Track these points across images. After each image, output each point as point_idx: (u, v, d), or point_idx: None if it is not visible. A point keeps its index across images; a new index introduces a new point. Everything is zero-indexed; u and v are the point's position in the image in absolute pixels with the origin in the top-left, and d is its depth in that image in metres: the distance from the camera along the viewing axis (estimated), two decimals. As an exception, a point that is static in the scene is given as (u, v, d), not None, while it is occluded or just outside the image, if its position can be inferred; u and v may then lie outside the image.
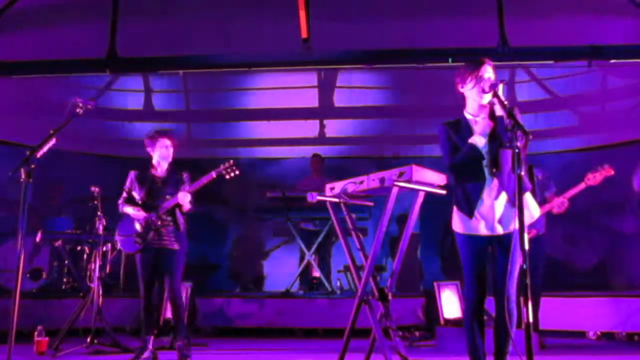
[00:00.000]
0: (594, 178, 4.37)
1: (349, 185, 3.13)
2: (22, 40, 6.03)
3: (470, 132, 2.84)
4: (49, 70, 5.70)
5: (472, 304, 2.80)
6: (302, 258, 6.58)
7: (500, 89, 2.64)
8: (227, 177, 4.10)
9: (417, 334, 5.25)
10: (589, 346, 4.92)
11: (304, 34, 5.26)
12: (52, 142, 3.25)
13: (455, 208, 2.89)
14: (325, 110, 7.92)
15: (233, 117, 7.97)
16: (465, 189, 2.83)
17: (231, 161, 4.09)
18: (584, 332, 5.31)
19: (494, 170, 2.79)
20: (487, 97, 2.77)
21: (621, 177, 5.52)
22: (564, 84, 7.09)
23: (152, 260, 4.07)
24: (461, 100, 2.95)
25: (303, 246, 6.40)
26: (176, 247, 4.10)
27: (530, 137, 2.45)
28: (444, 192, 3.05)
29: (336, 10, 6.09)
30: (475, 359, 2.80)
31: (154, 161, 4.27)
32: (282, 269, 7.28)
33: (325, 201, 3.27)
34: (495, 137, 2.79)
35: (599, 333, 5.25)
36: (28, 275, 5.97)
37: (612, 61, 5.32)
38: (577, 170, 4.70)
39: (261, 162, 8.08)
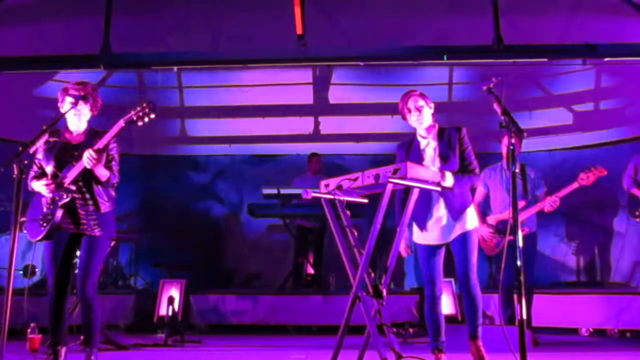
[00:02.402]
0: (586, 178, 4.41)
1: (344, 182, 3.13)
2: (14, 35, 5.99)
3: (419, 153, 3.31)
4: (42, 65, 5.66)
5: (429, 300, 3.29)
6: (296, 255, 6.58)
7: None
8: (140, 123, 3.17)
9: (411, 330, 5.26)
10: (581, 342, 4.96)
11: (299, 31, 5.24)
12: (45, 137, 3.23)
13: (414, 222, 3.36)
14: (320, 107, 7.91)
15: (228, 114, 7.95)
16: (417, 205, 3.22)
17: (144, 104, 3.18)
18: (577, 329, 5.34)
19: (440, 189, 3.15)
20: (425, 122, 3.29)
21: (613, 176, 5.56)
22: (558, 82, 7.11)
23: (65, 249, 3.28)
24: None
25: (298, 243, 6.40)
26: (97, 232, 3.25)
27: (525, 134, 2.47)
28: (438, 189, 3.07)
29: (331, 7, 6.08)
30: (438, 349, 3.24)
31: (68, 122, 3.38)
32: (276, 265, 7.29)
33: (320, 198, 3.27)
34: (445, 158, 3.20)
35: (591, 329, 5.29)
36: (21, 272, 5.93)
37: (606, 59, 5.34)
38: (569, 168, 4.74)
39: (256, 159, 8.07)
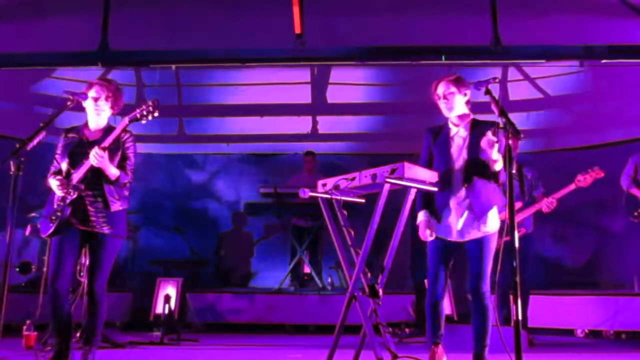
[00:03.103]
0: (584, 180, 4.42)
1: (341, 181, 3.13)
2: (11, 31, 5.97)
3: (447, 140, 3.14)
4: (40, 62, 5.65)
5: (430, 297, 3.15)
6: (293, 254, 6.58)
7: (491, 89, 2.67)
8: (144, 121, 3.21)
9: (407, 330, 5.27)
10: (577, 344, 4.97)
11: (298, 30, 5.24)
12: (42, 134, 3.22)
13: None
14: (318, 107, 7.91)
15: (226, 113, 7.94)
16: (434, 195, 3.10)
17: (149, 102, 3.22)
18: (573, 330, 5.35)
19: (466, 185, 3.03)
20: (455, 110, 3.13)
21: (611, 177, 5.56)
22: (556, 83, 7.12)
23: (72, 245, 3.21)
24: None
25: (295, 242, 6.40)
26: (106, 230, 3.21)
27: (522, 135, 2.48)
28: (435, 189, 3.06)
29: (330, 6, 6.08)
30: (434, 343, 3.13)
31: (87, 117, 3.38)
32: (273, 264, 7.29)
33: (317, 197, 3.27)
34: (472, 149, 3.02)
35: (587, 331, 5.30)
36: (17, 269, 5.92)
37: (604, 61, 5.35)
38: (567, 170, 4.75)
39: (254, 158, 8.07)
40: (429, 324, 3.17)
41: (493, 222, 3.09)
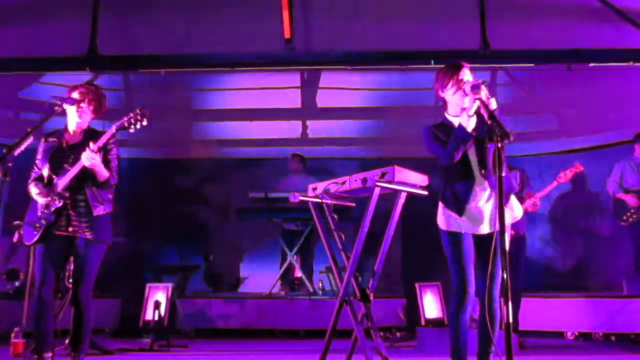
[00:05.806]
0: (564, 176, 4.49)
1: (331, 185, 3.13)
2: (-1, 36, 5.93)
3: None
4: (28, 67, 5.60)
5: (460, 302, 2.78)
6: (284, 259, 6.56)
7: (483, 90, 2.66)
8: (132, 129, 3.14)
9: (398, 334, 5.28)
10: (567, 346, 5.00)
11: (287, 34, 5.25)
12: (30, 140, 3.19)
13: (442, 206, 2.88)
14: (308, 111, 7.92)
15: (215, 117, 7.92)
16: (455, 187, 2.82)
17: (137, 110, 3.15)
18: (563, 333, 5.38)
19: (482, 170, 2.80)
20: (468, 100, 2.76)
21: (599, 180, 5.62)
22: (544, 86, 7.18)
23: (56, 252, 3.17)
24: (442, 104, 2.97)
25: (285, 247, 6.39)
26: (88, 235, 3.14)
27: (511, 138, 2.48)
28: (425, 193, 3.07)
29: (319, 11, 6.09)
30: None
31: (67, 120, 3.33)
32: (263, 269, 7.26)
33: (307, 202, 3.27)
34: (481, 138, 2.76)
35: (576, 333, 5.33)
36: (5, 276, 5.86)
37: (591, 65, 5.41)
38: (554, 173, 4.80)
39: (243, 162, 8.04)
40: (451, 338, 2.79)
41: (517, 207, 2.94)
